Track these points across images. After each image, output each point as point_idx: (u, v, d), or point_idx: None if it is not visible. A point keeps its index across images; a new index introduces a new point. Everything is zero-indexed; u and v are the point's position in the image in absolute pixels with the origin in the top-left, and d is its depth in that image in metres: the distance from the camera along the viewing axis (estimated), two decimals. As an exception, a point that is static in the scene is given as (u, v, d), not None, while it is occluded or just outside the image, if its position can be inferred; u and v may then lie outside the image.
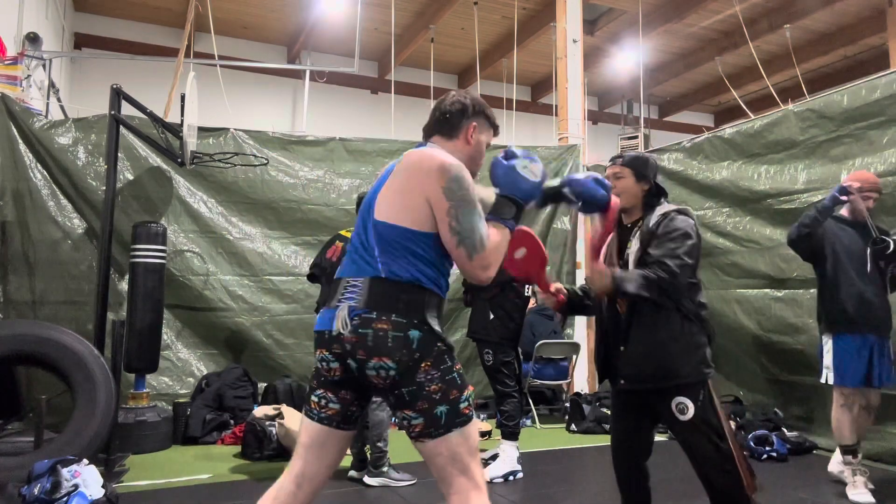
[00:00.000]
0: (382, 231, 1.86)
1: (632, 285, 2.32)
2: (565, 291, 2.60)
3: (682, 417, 2.38)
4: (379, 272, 1.84)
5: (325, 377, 1.91)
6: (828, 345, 3.75)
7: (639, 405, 2.52)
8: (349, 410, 1.92)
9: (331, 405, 1.90)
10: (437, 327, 1.87)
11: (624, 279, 2.34)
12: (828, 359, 3.74)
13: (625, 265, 2.48)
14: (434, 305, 1.88)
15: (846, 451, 3.71)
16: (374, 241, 1.87)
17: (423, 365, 1.81)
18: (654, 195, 2.58)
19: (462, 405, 1.85)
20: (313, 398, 1.93)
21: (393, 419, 4.07)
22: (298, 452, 1.93)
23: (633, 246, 2.48)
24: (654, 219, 2.48)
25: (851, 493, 3.65)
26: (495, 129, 2.13)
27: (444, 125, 2.03)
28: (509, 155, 2.00)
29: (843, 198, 3.67)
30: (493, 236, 1.87)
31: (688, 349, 2.39)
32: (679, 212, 2.47)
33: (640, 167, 2.56)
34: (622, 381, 2.43)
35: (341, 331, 1.83)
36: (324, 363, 1.90)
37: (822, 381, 3.79)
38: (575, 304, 2.65)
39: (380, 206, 1.90)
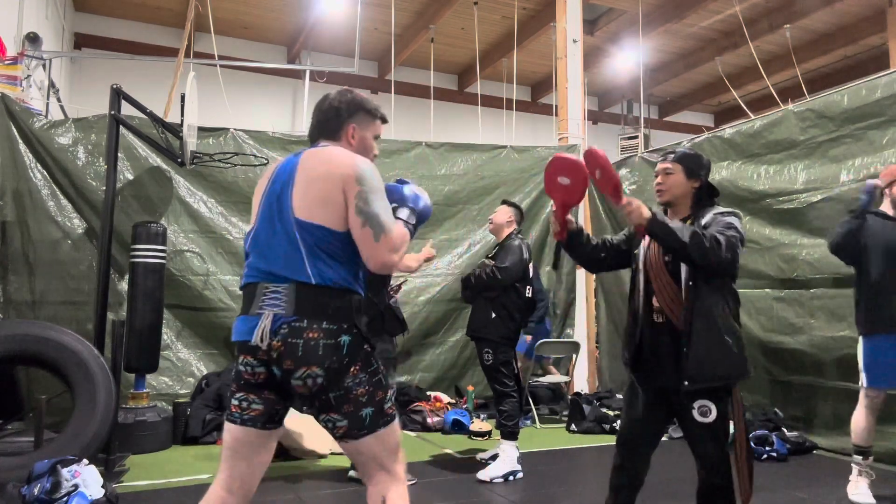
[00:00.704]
0: (308, 231, 1.83)
1: (679, 233, 2.26)
2: (573, 225, 2.57)
3: (702, 420, 2.38)
4: (308, 277, 1.81)
5: (248, 380, 1.88)
6: (862, 345, 3.64)
7: (660, 401, 2.51)
8: (274, 409, 1.90)
9: (254, 406, 1.88)
10: (363, 328, 1.88)
11: (664, 223, 2.28)
12: (863, 360, 3.63)
13: (671, 262, 2.45)
14: (359, 306, 1.89)
15: (859, 451, 3.66)
16: (299, 242, 1.83)
17: (351, 369, 1.82)
18: (706, 194, 2.57)
19: (387, 405, 1.88)
20: (234, 402, 1.90)
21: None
22: (224, 458, 1.90)
23: None
24: (707, 217, 2.46)
25: (853, 492, 3.64)
26: (382, 118, 2.13)
27: (324, 129, 2.04)
28: (403, 182, 2.13)
29: (879, 184, 3.58)
30: (400, 227, 1.93)
31: (740, 349, 2.41)
32: (733, 213, 2.48)
33: (692, 164, 2.56)
34: (686, 383, 2.36)
35: (259, 343, 1.80)
36: (248, 367, 1.87)
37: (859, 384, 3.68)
38: (573, 241, 2.61)
39: (299, 204, 1.85)
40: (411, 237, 2.01)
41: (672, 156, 2.59)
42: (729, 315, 2.43)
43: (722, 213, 2.46)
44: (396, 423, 1.92)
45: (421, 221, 2.08)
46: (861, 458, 3.67)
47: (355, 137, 2.04)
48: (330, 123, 2.03)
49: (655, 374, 2.50)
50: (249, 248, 1.98)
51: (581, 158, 2.47)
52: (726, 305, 2.44)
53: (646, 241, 2.57)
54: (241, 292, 1.97)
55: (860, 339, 3.68)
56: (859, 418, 3.66)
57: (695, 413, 2.38)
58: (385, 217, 1.86)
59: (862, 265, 3.68)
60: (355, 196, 1.83)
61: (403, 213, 2.03)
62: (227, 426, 1.91)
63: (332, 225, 1.84)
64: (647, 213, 2.30)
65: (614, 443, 2.67)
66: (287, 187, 1.89)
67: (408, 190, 2.09)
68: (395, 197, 2.06)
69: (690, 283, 2.40)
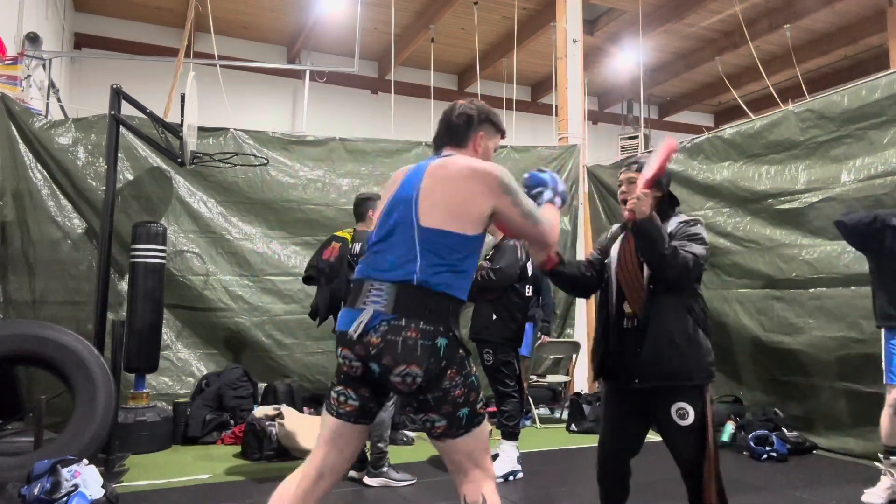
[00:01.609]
0: (431, 238, 1.93)
1: (666, 242, 2.36)
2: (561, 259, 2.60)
3: (681, 422, 2.40)
4: (410, 278, 1.90)
5: (347, 373, 1.97)
6: (886, 342, 3.61)
7: (634, 406, 2.53)
8: (368, 407, 1.99)
9: (349, 402, 1.96)
10: (459, 334, 1.97)
11: (659, 227, 2.37)
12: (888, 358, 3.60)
13: (642, 266, 2.50)
14: (457, 312, 1.98)
15: (888, 451, 3.63)
16: (418, 246, 1.92)
17: (449, 372, 1.91)
18: (668, 203, 2.62)
19: (479, 405, 1.98)
20: (333, 394, 2.00)
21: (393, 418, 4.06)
22: (319, 444, 1.99)
23: None
24: (672, 225, 2.53)
25: (867, 492, 3.62)
26: (502, 133, 2.25)
27: (453, 136, 2.15)
28: (541, 171, 2.33)
29: None
30: (550, 211, 2.20)
31: (699, 352, 2.44)
32: (697, 221, 2.55)
33: None
34: (636, 381, 2.44)
35: (353, 335, 1.88)
36: (346, 360, 1.95)
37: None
38: (561, 271, 2.63)
39: (427, 213, 1.95)
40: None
41: (636, 165, 2.63)
42: (689, 318, 2.46)
43: (687, 223, 2.53)
44: (486, 422, 2.03)
45: (563, 199, 2.29)
46: (884, 456, 3.63)
47: (481, 146, 2.16)
48: (461, 129, 2.14)
49: (625, 378, 2.52)
50: (368, 246, 2.07)
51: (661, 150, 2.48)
52: (688, 311, 2.47)
53: (616, 247, 2.62)
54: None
55: (884, 332, 3.63)
56: (886, 418, 3.61)
57: (673, 416, 2.41)
58: (535, 209, 2.08)
59: (877, 259, 3.63)
60: (510, 204, 1.99)
61: (547, 194, 2.25)
62: (325, 417, 2.01)
63: (459, 229, 1.94)
64: (647, 210, 2.36)
65: None
66: (414, 194, 1.98)
67: (546, 176, 2.30)
68: (538, 181, 2.28)
69: (651, 286, 2.47)
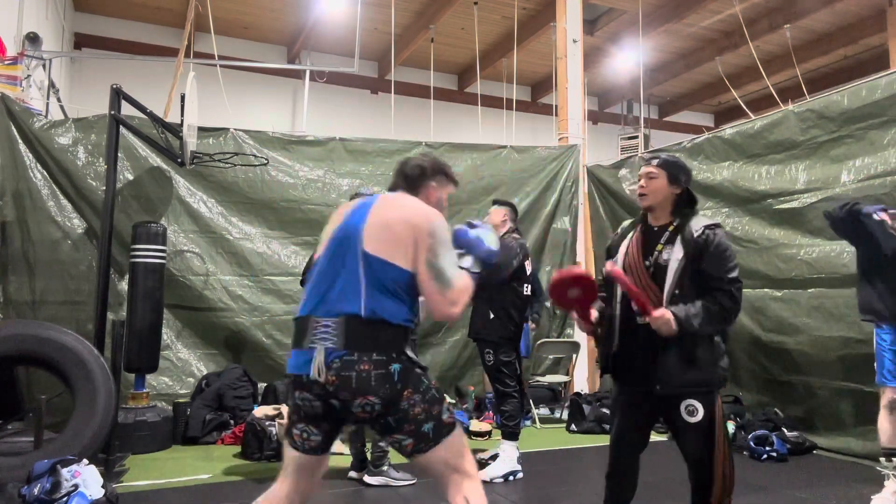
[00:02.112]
0: (375, 267, 1.96)
1: (697, 320, 2.35)
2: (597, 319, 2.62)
3: (690, 419, 2.40)
4: (359, 311, 1.93)
5: (307, 412, 2.01)
6: (876, 339, 3.60)
7: (646, 406, 2.53)
8: (330, 437, 2.06)
9: (313, 437, 2.02)
10: (413, 355, 2.01)
11: (689, 317, 2.36)
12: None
13: (653, 266, 2.47)
14: (408, 338, 2.02)
15: (888, 453, 3.60)
16: (362, 275, 1.96)
17: (405, 393, 1.95)
18: (686, 201, 2.59)
19: (444, 416, 2.01)
20: (295, 431, 2.04)
21: None
22: (286, 474, 2.06)
23: (675, 253, 2.44)
24: (697, 229, 2.46)
25: (875, 498, 3.57)
26: (455, 183, 2.33)
27: (407, 185, 2.23)
28: (472, 225, 2.27)
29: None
30: (464, 279, 2.08)
31: (715, 357, 2.45)
32: (718, 226, 2.50)
33: (674, 170, 2.57)
34: (658, 387, 2.41)
35: (317, 377, 1.91)
36: (305, 402, 1.99)
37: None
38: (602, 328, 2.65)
39: (370, 240, 1.98)
40: (476, 282, 2.16)
41: (656, 160, 2.60)
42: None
43: (715, 232, 2.47)
44: (459, 429, 2.06)
45: (486, 266, 2.24)
46: (886, 459, 3.59)
47: (433, 197, 2.23)
48: (413, 181, 2.22)
49: (631, 377, 2.53)
50: (311, 280, 2.08)
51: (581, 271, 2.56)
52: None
53: (623, 247, 2.59)
54: (293, 323, 2.09)
55: (877, 330, 3.61)
56: (881, 419, 3.60)
57: (682, 413, 2.41)
58: (450, 272, 2.03)
59: (865, 252, 3.60)
60: (427, 248, 1.99)
61: (467, 261, 2.18)
62: (290, 451, 2.06)
63: (400, 263, 1.97)
64: (675, 326, 2.35)
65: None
66: (359, 224, 2.03)
67: (473, 234, 2.22)
68: (462, 242, 2.21)
69: (677, 291, 2.42)
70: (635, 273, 2.49)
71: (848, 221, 3.59)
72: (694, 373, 2.40)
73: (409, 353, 2.00)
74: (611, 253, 2.68)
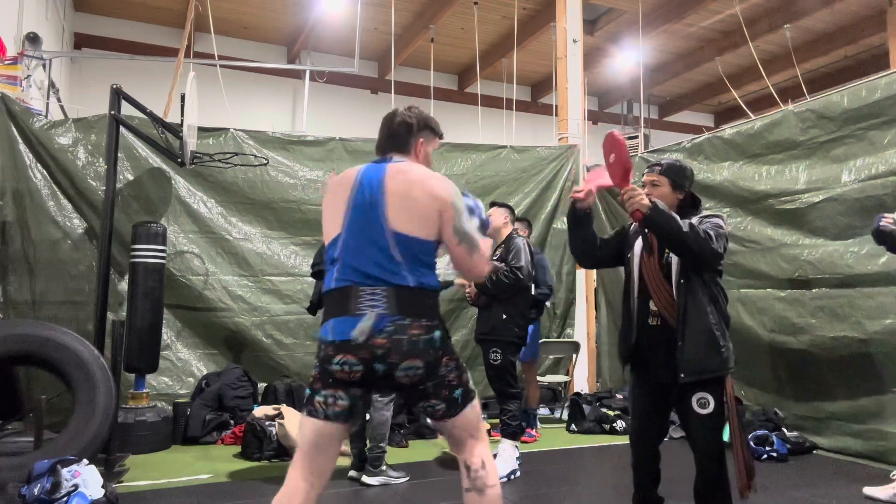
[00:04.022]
0: (405, 243, 2.05)
1: (678, 220, 2.40)
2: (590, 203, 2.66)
3: (701, 411, 2.47)
4: (406, 281, 2.02)
5: (339, 379, 2.03)
6: None
7: (662, 397, 2.60)
8: (357, 406, 2.08)
9: (339, 402, 2.04)
10: (445, 323, 2.15)
11: (666, 211, 2.41)
12: None
13: (666, 266, 2.55)
14: (439, 305, 2.15)
15: None
16: (393, 250, 2.04)
17: (444, 359, 2.07)
18: (690, 204, 2.66)
19: (470, 384, 2.16)
20: (318, 398, 2.05)
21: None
22: (304, 452, 2.06)
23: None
24: (693, 221, 2.54)
25: (876, 488, 3.60)
26: (440, 136, 2.37)
27: (395, 143, 2.26)
28: (465, 194, 2.34)
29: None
30: (484, 241, 2.23)
31: (727, 343, 2.52)
32: (716, 215, 2.60)
33: (677, 176, 2.66)
34: (682, 375, 2.47)
35: (362, 339, 1.97)
36: (345, 366, 2.01)
37: None
38: (583, 216, 2.68)
39: (396, 219, 2.05)
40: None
41: (658, 167, 2.66)
42: (717, 311, 2.53)
43: (707, 216, 2.58)
44: (476, 395, 2.20)
45: (483, 229, 2.36)
46: None
47: (421, 152, 2.27)
48: (401, 138, 2.25)
49: (652, 370, 2.60)
50: (339, 254, 2.10)
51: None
52: (715, 302, 2.54)
53: (638, 244, 2.65)
54: (329, 294, 2.11)
55: None
56: None
57: (694, 405, 2.48)
58: (473, 234, 2.16)
59: None
60: (452, 217, 2.09)
61: (475, 223, 2.28)
62: (310, 422, 2.06)
63: (427, 236, 2.08)
64: (646, 201, 2.40)
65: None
66: (378, 200, 2.08)
67: (472, 201, 2.36)
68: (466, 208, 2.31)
69: (682, 280, 2.51)
70: (650, 273, 2.59)
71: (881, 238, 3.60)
72: (715, 360, 2.47)
73: (444, 321, 2.12)
74: (621, 235, 2.79)
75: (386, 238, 2.04)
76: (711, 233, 2.44)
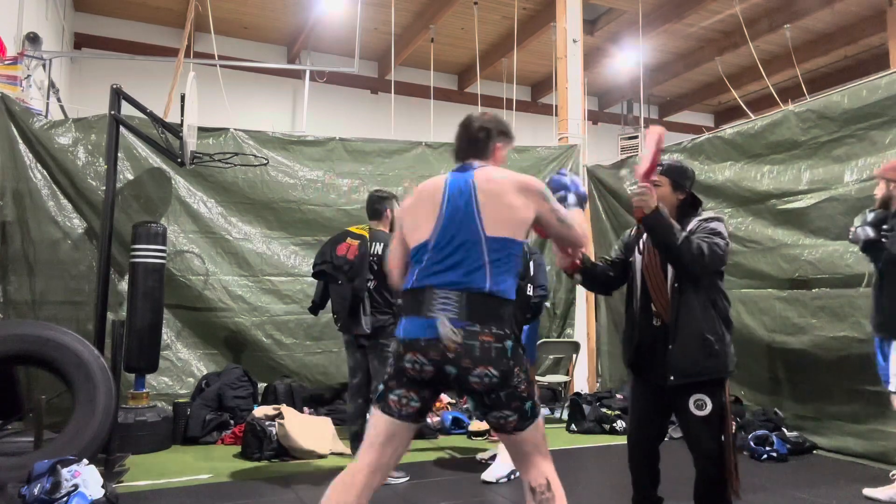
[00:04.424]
0: (497, 247, 2.11)
1: (676, 231, 2.42)
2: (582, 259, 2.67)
3: (698, 413, 2.47)
4: (483, 287, 2.07)
5: (412, 377, 2.09)
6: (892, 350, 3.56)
7: (660, 398, 2.60)
8: (426, 407, 2.15)
9: (412, 403, 2.11)
10: (518, 333, 2.17)
11: (667, 219, 2.42)
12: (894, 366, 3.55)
13: (666, 268, 2.56)
14: (514, 314, 2.17)
15: None
16: (486, 257, 2.10)
17: (515, 370, 2.07)
18: (690, 205, 2.65)
19: (536, 397, 2.16)
20: (392, 397, 2.12)
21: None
22: (373, 445, 2.11)
23: None
24: (692, 223, 2.56)
25: (876, 489, 3.60)
26: (512, 138, 2.46)
27: (475, 149, 2.33)
28: (561, 173, 2.54)
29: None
30: (573, 213, 2.35)
31: (726, 349, 2.51)
32: (716, 218, 2.59)
33: (678, 177, 2.65)
34: (671, 378, 2.48)
35: (452, 337, 2.01)
36: (416, 365, 2.07)
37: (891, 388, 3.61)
38: (587, 270, 2.70)
39: (491, 223, 2.12)
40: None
41: (659, 168, 2.63)
42: (714, 315, 2.52)
43: (706, 220, 2.57)
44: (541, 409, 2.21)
45: (583, 201, 2.47)
46: None
47: (499, 156, 2.37)
48: (480, 143, 2.33)
49: (651, 372, 2.60)
50: (426, 257, 2.16)
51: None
52: (713, 306, 2.53)
53: (640, 245, 2.65)
54: (407, 293, 2.17)
55: (884, 343, 3.61)
56: None
57: (691, 406, 2.48)
58: (564, 213, 2.26)
59: (881, 263, 3.61)
60: (543, 205, 2.19)
61: (571, 199, 2.42)
62: (382, 417, 2.12)
63: (520, 237, 2.16)
64: (653, 204, 2.41)
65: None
66: (470, 205, 2.15)
67: (567, 178, 2.48)
68: (559, 185, 2.45)
69: (676, 284, 2.52)
70: (652, 276, 2.59)
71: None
72: (706, 363, 2.46)
73: (517, 332, 2.16)
74: (627, 251, 2.77)
75: (480, 244, 2.10)
76: (705, 247, 2.42)
